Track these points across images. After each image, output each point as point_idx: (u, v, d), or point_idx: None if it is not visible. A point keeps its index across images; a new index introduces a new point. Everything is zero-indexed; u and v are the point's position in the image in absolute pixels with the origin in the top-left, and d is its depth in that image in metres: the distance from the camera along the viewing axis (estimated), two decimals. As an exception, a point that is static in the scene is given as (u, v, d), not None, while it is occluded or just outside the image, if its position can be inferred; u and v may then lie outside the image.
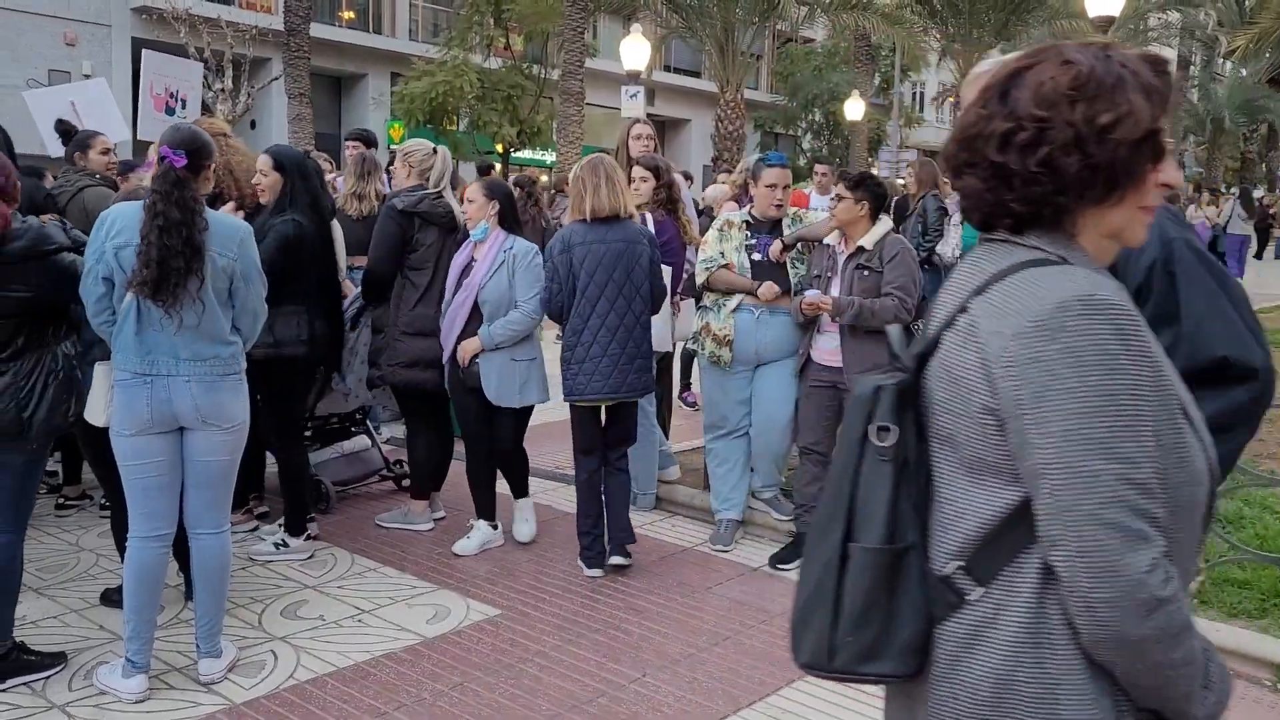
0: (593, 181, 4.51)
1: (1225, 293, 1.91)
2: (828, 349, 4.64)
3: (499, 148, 24.54)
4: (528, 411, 4.90)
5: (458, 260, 4.73)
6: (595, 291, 4.48)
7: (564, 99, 19.21)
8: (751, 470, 5.13)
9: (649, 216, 5.28)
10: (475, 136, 24.16)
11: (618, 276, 4.49)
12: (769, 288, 4.80)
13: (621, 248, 4.50)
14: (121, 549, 3.68)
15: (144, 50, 7.15)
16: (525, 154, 27.11)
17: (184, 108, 6.87)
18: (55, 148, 5.91)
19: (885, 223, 4.64)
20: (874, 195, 4.55)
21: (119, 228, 3.21)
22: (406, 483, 5.63)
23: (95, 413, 3.41)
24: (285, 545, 4.69)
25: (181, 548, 3.54)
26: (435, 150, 5.03)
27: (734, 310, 4.87)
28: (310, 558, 4.69)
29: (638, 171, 5.37)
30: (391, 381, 5.03)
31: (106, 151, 5.32)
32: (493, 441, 4.83)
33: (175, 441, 3.33)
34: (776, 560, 4.77)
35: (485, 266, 4.59)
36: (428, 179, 4.96)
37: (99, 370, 3.41)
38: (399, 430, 6.53)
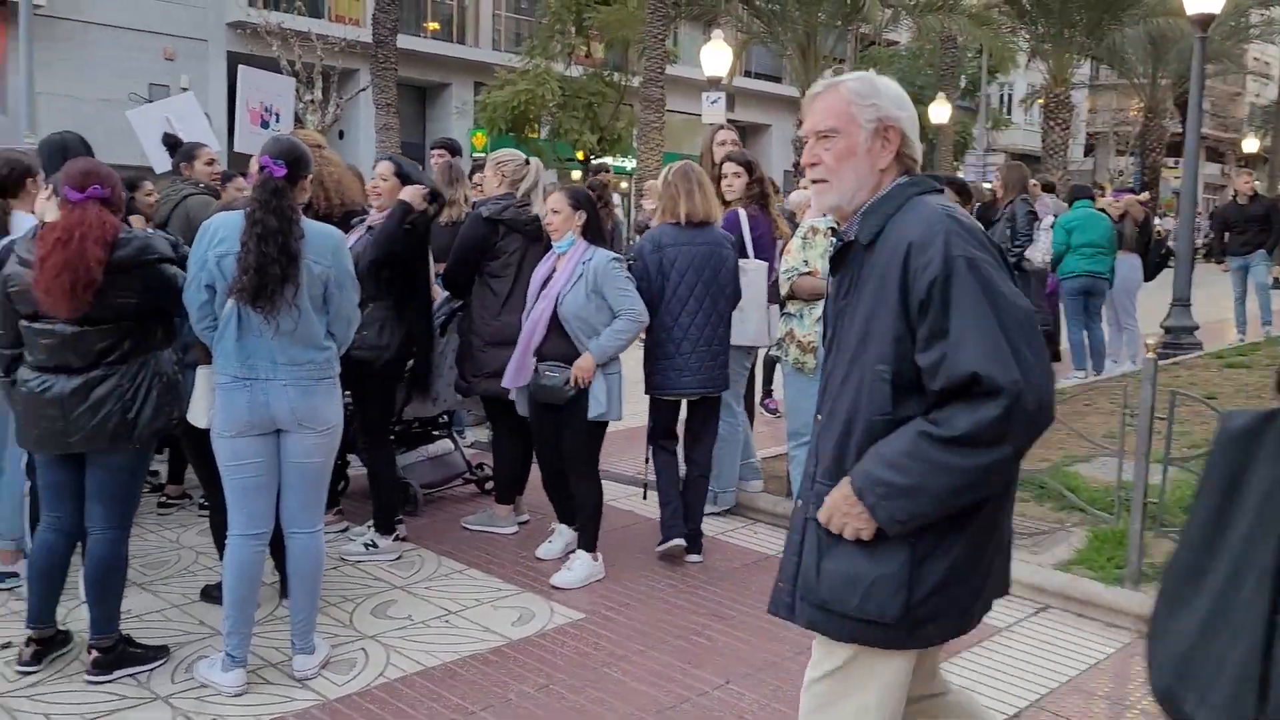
0: (685, 187, 4.75)
1: (996, 312, 1.92)
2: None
3: (579, 155, 24.75)
4: (600, 430, 4.66)
5: (540, 271, 4.64)
6: (685, 291, 4.70)
7: (644, 106, 19.28)
8: (836, 477, 5.08)
9: (742, 212, 5.28)
10: (556, 144, 24.42)
11: (706, 277, 4.72)
12: None
13: (710, 250, 4.75)
14: (221, 547, 3.80)
15: (240, 66, 7.37)
16: (605, 160, 27.30)
17: (278, 121, 7.08)
18: (160, 162, 6.13)
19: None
20: (969, 201, 4.54)
21: (220, 236, 3.32)
22: (490, 486, 5.72)
23: (197, 415, 3.54)
24: (374, 546, 4.79)
25: (277, 546, 3.64)
26: (529, 161, 5.10)
27: (820, 317, 4.84)
28: (399, 558, 4.78)
29: (730, 167, 5.39)
30: (475, 391, 5.10)
31: (211, 162, 5.50)
32: (562, 460, 4.68)
33: (273, 443, 3.43)
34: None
35: (564, 278, 4.47)
36: (517, 188, 5.03)
37: (201, 373, 3.53)
38: (482, 434, 6.64)
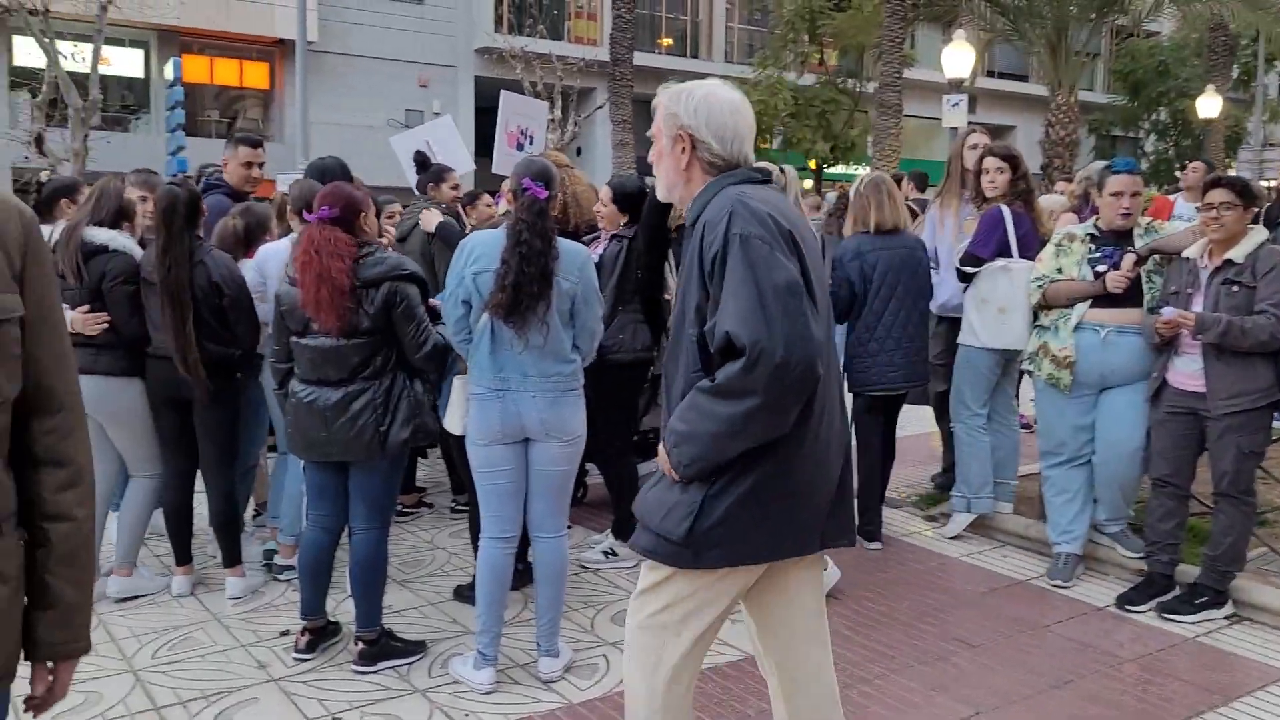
0: (876, 199, 5.07)
1: (755, 281, 2.14)
2: (1187, 372, 4.23)
3: (811, 164, 24.53)
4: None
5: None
6: (887, 292, 4.99)
7: (880, 111, 18.85)
8: (1094, 501, 4.77)
9: (1005, 209, 5.04)
10: (788, 154, 24.30)
11: (905, 279, 5.01)
12: (1117, 278, 4.42)
13: (906, 254, 5.05)
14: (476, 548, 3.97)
15: (503, 92, 7.72)
16: (839, 169, 26.91)
17: (531, 144, 7.33)
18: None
19: (1259, 233, 4.17)
20: (1254, 202, 4.14)
21: (477, 255, 3.48)
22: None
23: (453, 422, 3.73)
24: (614, 553, 4.88)
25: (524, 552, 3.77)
26: (783, 170, 5.05)
27: (1075, 329, 4.55)
28: (637, 566, 4.84)
29: (992, 163, 5.16)
30: None
31: (456, 187, 5.79)
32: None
33: (521, 451, 3.56)
34: (1125, 601, 4.39)
35: None
36: None
37: (457, 384, 3.72)
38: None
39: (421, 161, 5.98)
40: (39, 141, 16.45)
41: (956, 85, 15.16)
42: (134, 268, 4.22)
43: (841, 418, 2.42)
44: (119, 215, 4.28)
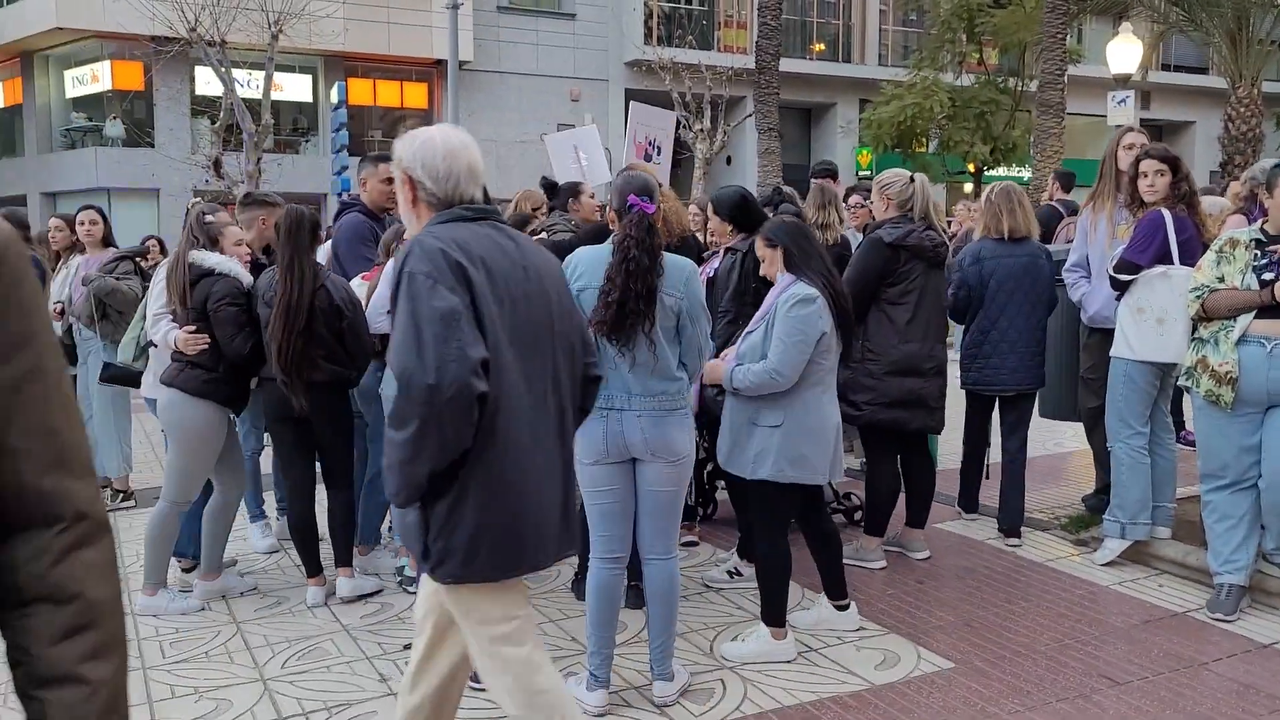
0: (1008, 206, 5.25)
1: (413, 315, 2.32)
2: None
3: (970, 167, 23.68)
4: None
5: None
6: (1004, 298, 5.17)
7: (1041, 111, 18.01)
8: (1262, 528, 4.38)
9: (1166, 213, 4.70)
10: (945, 157, 23.54)
11: (1025, 285, 5.18)
12: None
13: (1028, 261, 5.20)
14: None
15: (632, 103, 7.75)
16: (999, 172, 25.91)
17: (659, 154, 7.31)
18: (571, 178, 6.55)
19: None
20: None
21: (580, 271, 3.46)
22: (859, 517, 5.54)
23: None
24: (739, 573, 4.78)
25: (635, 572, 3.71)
26: (913, 179, 4.88)
27: (1238, 342, 4.18)
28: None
29: (1150, 165, 4.82)
30: (870, 420, 4.88)
31: (593, 196, 5.80)
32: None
33: (629, 471, 3.50)
34: (1294, 639, 4.01)
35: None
36: (909, 210, 4.84)
37: None
38: (853, 462, 6.46)
39: (549, 186, 6.03)
40: (217, 165, 17.51)
41: (1123, 81, 14.32)
42: (239, 289, 4.41)
43: (558, 440, 2.56)
44: (212, 239, 4.48)
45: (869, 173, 24.25)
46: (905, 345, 4.77)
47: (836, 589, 4.24)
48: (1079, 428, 5.89)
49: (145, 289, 5.30)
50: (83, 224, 6.45)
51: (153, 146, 21.49)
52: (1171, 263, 4.66)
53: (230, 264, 4.44)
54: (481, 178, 2.60)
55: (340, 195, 16.78)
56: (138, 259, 6.65)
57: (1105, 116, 15.61)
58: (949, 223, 12.12)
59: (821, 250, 3.97)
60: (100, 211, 6.56)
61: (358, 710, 3.59)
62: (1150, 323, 4.68)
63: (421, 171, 2.55)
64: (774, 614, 3.98)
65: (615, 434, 3.42)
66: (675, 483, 3.51)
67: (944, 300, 5.06)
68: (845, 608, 4.26)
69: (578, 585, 4.58)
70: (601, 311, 3.33)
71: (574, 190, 5.75)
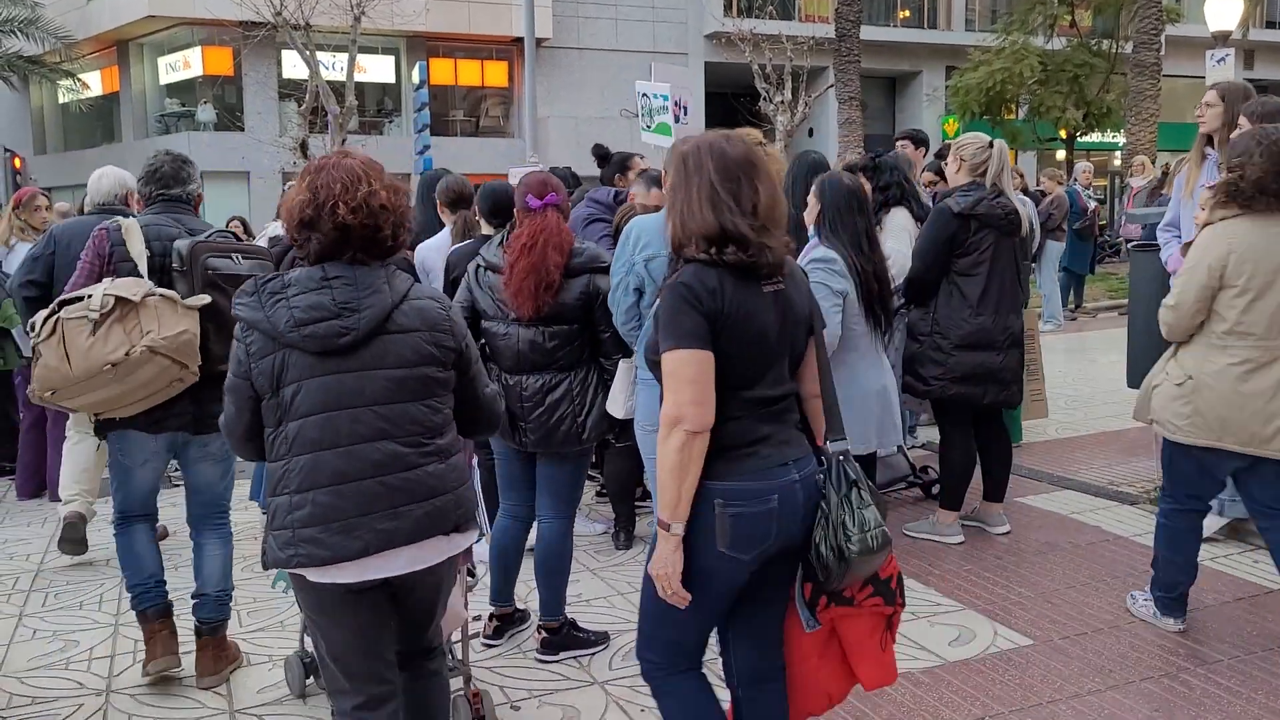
0: None
1: None
2: None
3: (1062, 133, 22.94)
4: None
5: None
6: None
7: (1136, 72, 17.33)
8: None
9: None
10: (1036, 124, 22.83)
11: None
12: None
13: None
14: None
15: (653, 64, 7.57)
16: (1093, 138, 25.06)
17: (686, 114, 7.05)
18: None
19: None
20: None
21: (644, 240, 3.40)
22: (935, 491, 5.41)
23: (616, 406, 3.67)
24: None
25: None
26: (991, 144, 4.69)
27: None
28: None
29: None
30: (940, 396, 4.74)
31: (643, 171, 5.71)
32: None
33: None
34: (1401, 620, 3.79)
35: None
36: (981, 175, 4.66)
37: (622, 366, 3.65)
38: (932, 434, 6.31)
39: (602, 154, 5.93)
40: (304, 147, 17.88)
41: (1222, 39, 13.65)
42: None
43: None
44: None
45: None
46: (976, 319, 4.59)
47: None
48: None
49: None
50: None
51: (242, 130, 22.05)
52: None
53: None
54: None
55: (421, 174, 17.04)
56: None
57: (1204, 78, 14.95)
58: (1040, 193, 11.75)
59: (867, 224, 3.83)
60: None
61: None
62: None
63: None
64: None
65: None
66: None
67: (1021, 270, 4.85)
68: None
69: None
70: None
71: (624, 163, 5.68)
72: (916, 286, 4.72)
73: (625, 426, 3.75)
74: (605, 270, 3.62)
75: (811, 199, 4.11)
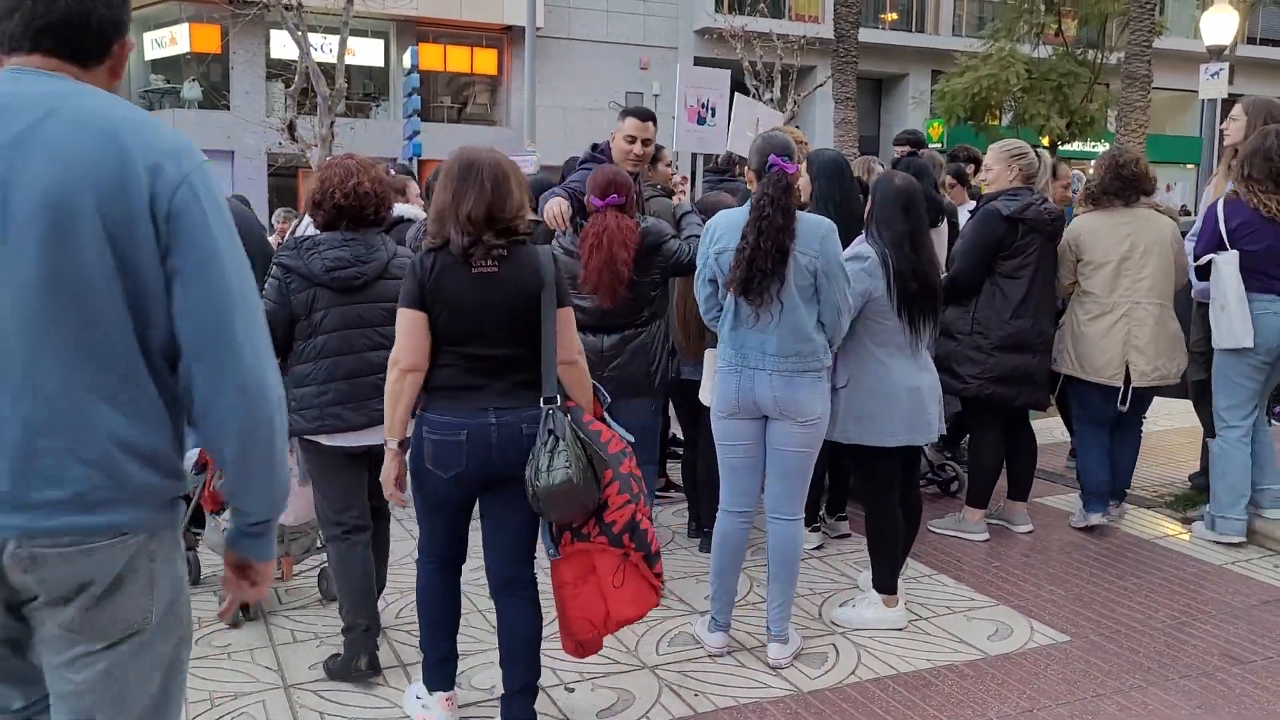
0: None
1: None
2: None
3: (1044, 141, 23.15)
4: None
5: None
6: None
7: (1127, 84, 17.50)
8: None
9: (1220, 204, 4.57)
10: (1020, 130, 23.04)
11: None
12: None
13: None
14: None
15: (679, 66, 7.54)
16: (1074, 146, 25.32)
17: (713, 116, 7.01)
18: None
19: None
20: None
21: (719, 235, 3.47)
22: (954, 488, 5.50)
23: (705, 393, 3.78)
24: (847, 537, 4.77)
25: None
26: (1039, 154, 4.84)
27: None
28: (860, 550, 4.67)
29: (1237, 110, 4.74)
30: (976, 394, 4.77)
31: (669, 165, 5.74)
32: None
33: (760, 428, 3.51)
34: None
35: None
36: (1032, 183, 4.75)
37: (708, 355, 3.79)
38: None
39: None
40: (291, 128, 17.65)
41: (1217, 53, 13.82)
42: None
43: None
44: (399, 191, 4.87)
45: (940, 145, 23.85)
46: (1016, 321, 4.66)
47: (887, 578, 3.96)
48: (1186, 405, 5.75)
49: None
50: None
51: (228, 109, 21.78)
52: (1226, 249, 4.53)
53: (415, 210, 4.81)
54: None
55: (409, 160, 16.95)
56: None
57: (1186, 90, 15.19)
58: (1072, 195, 11.83)
59: (913, 226, 3.81)
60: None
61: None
62: (1217, 310, 4.58)
63: None
64: (885, 581, 3.95)
65: (746, 390, 3.44)
66: (804, 444, 3.49)
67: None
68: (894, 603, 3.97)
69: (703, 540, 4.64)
70: (734, 271, 3.34)
71: (652, 156, 5.67)
72: (959, 286, 4.76)
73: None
74: (668, 239, 4.03)
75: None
